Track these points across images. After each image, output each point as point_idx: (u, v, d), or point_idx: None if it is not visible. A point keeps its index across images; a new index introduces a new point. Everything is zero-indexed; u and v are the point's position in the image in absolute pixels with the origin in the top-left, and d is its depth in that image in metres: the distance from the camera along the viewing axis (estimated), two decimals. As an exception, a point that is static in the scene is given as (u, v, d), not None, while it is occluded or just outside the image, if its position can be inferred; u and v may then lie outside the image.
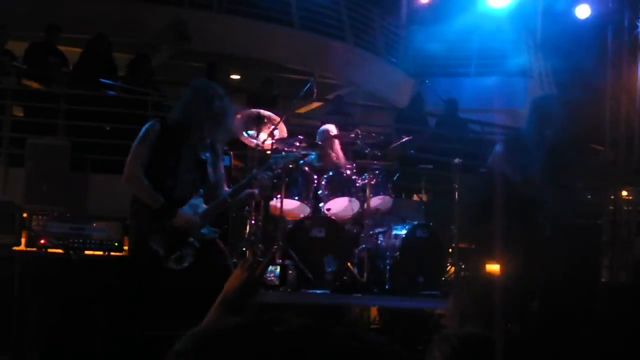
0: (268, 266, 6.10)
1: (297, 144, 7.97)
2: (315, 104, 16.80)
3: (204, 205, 5.90)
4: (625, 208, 12.76)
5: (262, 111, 7.85)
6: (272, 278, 7.30)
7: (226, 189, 6.15)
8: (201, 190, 5.92)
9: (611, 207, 11.90)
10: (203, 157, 5.97)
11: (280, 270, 7.28)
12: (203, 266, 5.79)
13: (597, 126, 13.84)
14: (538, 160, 6.83)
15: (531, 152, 6.85)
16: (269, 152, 7.80)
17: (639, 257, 12.26)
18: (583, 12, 13.87)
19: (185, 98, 5.98)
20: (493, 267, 7.93)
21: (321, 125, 9.12)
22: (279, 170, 7.84)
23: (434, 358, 2.58)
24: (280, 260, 7.42)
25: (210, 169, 6.00)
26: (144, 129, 5.85)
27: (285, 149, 8.04)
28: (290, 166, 8.26)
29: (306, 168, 8.42)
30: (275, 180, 7.97)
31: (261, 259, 3.01)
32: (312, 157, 8.74)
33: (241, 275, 2.92)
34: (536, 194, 6.83)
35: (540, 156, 6.84)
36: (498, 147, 7.10)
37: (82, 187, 9.94)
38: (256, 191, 6.31)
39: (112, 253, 7.26)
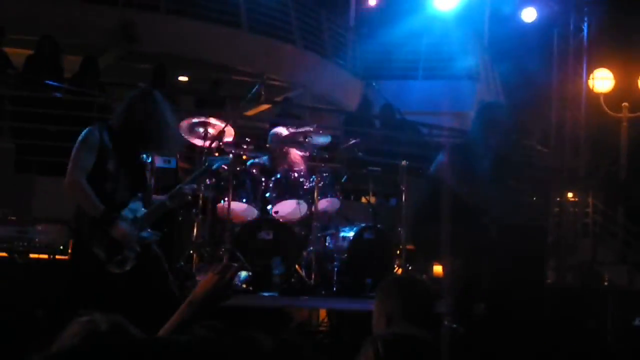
0: (239, 271, 6.08)
1: (246, 146, 7.98)
2: (264, 107, 16.79)
3: (143, 209, 5.87)
4: (571, 210, 12.95)
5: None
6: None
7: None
8: (140, 194, 5.89)
9: (557, 209, 12.06)
10: (142, 160, 5.94)
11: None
12: (143, 269, 5.78)
13: (544, 129, 14.01)
14: (484, 168, 6.87)
15: (477, 160, 6.88)
16: (216, 154, 7.79)
17: (584, 259, 12.44)
18: (529, 15, 14.03)
19: (125, 105, 5.89)
20: (438, 269, 7.99)
21: (271, 128, 9.12)
22: (225, 173, 7.84)
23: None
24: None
25: (148, 173, 5.99)
26: (83, 134, 5.76)
27: (233, 151, 8.04)
28: (238, 169, 8.26)
29: (254, 170, 8.42)
30: (221, 183, 7.96)
31: (234, 264, 3.01)
32: (264, 159, 8.73)
33: (212, 279, 2.94)
34: (482, 199, 6.87)
35: (485, 164, 6.88)
36: (441, 156, 7.13)
37: (27, 190, 9.81)
38: (194, 186, 6.30)
39: (57, 256, 7.19)
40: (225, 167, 7.67)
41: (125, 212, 5.75)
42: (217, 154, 7.84)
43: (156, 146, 5.95)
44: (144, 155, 5.98)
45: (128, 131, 5.79)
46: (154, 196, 6.07)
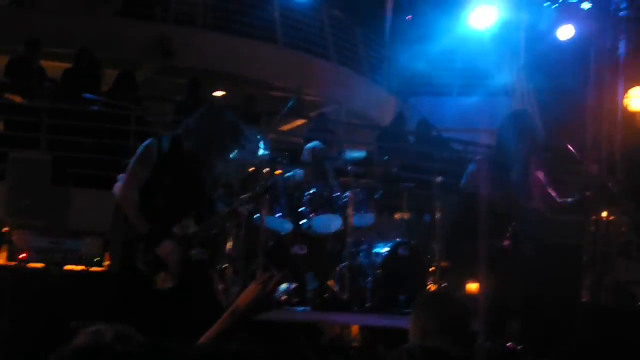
0: (281, 283, 6.02)
1: (280, 160, 7.99)
2: (299, 122, 16.82)
3: (194, 226, 5.75)
4: (606, 229, 12.82)
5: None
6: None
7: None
8: (193, 212, 5.76)
9: (592, 227, 11.94)
10: (202, 176, 5.84)
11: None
12: (188, 288, 5.67)
13: (579, 148, 13.91)
14: (517, 177, 6.82)
15: (508, 169, 6.84)
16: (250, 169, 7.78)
17: (620, 279, 12.30)
18: (566, 33, 13.92)
19: (202, 124, 5.80)
20: (472, 286, 7.93)
21: (306, 143, 9.12)
22: (261, 187, 7.84)
23: None
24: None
25: (207, 189, 5.88)
26: (141, 147, 5.73)
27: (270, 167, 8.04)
28: (273, 182, 8.25)
29: (288, 185, 8.43)
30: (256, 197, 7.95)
31: (277, 274, 3.05)
32: (299, 173, 8.72)
33: (255, 289, 2.97)
34: (515, 211, 6.83)
35: (518, 172, 6.83)
36: (472, 167, 7.09)
37: (63, 202, 9.85)
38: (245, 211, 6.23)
39: (92, 268, 7.23)
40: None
41: (175, 229, 5.67)
42: (251, 170, 7.82)
43: (209, 158, 5.83)
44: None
45: (197, 151, 5.73)
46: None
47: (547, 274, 7.52)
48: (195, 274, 5.73)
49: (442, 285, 8.10)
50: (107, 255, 7.14)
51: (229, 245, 7.98)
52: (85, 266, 7.21)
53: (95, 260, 7.27)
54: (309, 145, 8.88)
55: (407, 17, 19.90)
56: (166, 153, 5.68)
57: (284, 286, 7.47)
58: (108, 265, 7.13)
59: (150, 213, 5.59)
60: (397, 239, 8.42)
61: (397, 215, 9.62)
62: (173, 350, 1.75)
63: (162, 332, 4.94)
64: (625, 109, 13.88)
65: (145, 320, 5.31)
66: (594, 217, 11.75)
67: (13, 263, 7.09)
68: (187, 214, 5.73)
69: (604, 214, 11.83)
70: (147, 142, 5.76)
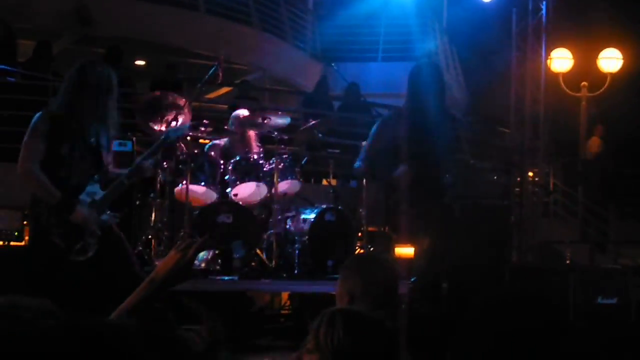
0: (200, 250, 5.98)
1: (203, 129, 7.87)
2: (224, 90, 16.66)
3: (101, 191, 5.75)
4: (532, 189, 12.98)
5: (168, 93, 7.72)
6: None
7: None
8: (96, 176, 5.77)
9: (518, 189, 12.07)
10: (96, 142, 5.80)
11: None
12: (106, 253, 5.68)
13: (503, 109, 14.01)
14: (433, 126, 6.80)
15: (424, 115, 6.83)
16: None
17: (545, 239, 12.49)
18: (488, -6, 13.99)
19: (63, 84, 5.81)
20: (403, 250, 7.94)
21: (230, 111, 9.02)
22: (184, 156, 7.73)
23: (314, 333, 2.56)
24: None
25: (104, 153, 5.86)
26: (33, 120, 5.65)
27: (191, 134, 7.91)
28: (196, 151, 8.14)
29: (212, 153, 8.32)
30: (179, 166, 7.83)
31: (197, 240, 2.97)
32: (223, 141, 8.61)
33: (175, 257, 2.87)
34: (437, 172, 6.84)
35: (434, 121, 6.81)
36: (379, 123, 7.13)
37: (-20, 176, 9.62)
38: (152, 162, 6.14)
39: (11, 243, 7.06)
40: (183, 147, 7.53)
41: (83, 197, 5.65)
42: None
43: (99, 120, 5.78)
44: (101, 137, 5.84)
45: (71, 110, 5.68)
46: (112, 171, 5.94)
47: (475, 234, 7.57)
48: (110, 240, 5.74)
49: (370, 249, 8.10)
50: (26, 229, 6.97)
51: (153, 216, 7.88)
52: (4, 241, 7.03)
53: (15, 234, 7.09)
54: (234, 113, 8.76)
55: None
56: (59, 122, 5.63)
57: (203, 254, 7.38)
58: (28, 239, 6.96)
59: (55, 185, 5.55)
60: (324, 205, 8.38)
61: (324, 182, 9.59)
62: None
63: (82, 304, 4.84)
64: (548, 71, 14.04)
65: (65, 293, 5.22)
66: (519, 178, 11.88)
67: None
68: (92, 180, 5.73)
69: (530, 174, 11.97)
70: (38, 114, 5.71)
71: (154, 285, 2.80)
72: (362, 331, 2.55)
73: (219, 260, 7.45)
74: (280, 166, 8.10)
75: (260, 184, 8.09)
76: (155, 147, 6.28)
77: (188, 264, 2.88)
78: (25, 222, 7.00)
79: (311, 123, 8.84)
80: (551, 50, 14.20)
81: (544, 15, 13.08)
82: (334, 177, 9.31)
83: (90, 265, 5.58)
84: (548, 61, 13.98)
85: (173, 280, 2.85)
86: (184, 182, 7.67)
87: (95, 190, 5.72)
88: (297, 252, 7.90)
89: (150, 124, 7.81)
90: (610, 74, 15.40)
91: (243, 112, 8.61)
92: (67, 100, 5.72)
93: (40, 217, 5.59)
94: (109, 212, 5.80)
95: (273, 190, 8.04)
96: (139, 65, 17.75)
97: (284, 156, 8.25)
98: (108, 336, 1.73)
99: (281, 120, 8.47)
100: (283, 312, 9.51)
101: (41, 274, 5.59)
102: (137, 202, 8.11)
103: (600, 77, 15.50)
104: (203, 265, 7.41)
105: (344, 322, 2.53)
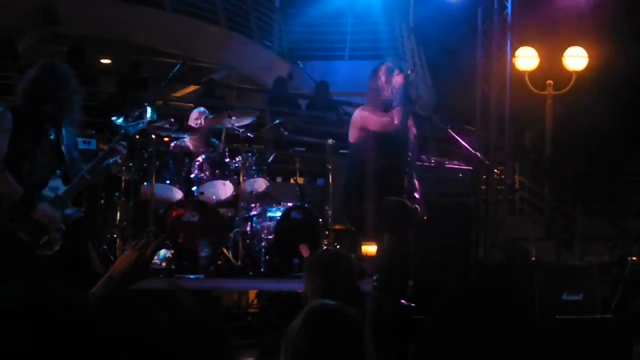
0: (159, 249, 5.97)
1: (168, 126, 7.83)
2: (191, 88, 16.59)
3: (64, 186, 5.73)
4: (497, 187, 13.03)
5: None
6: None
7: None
8: (58, 171, 5.75)
9: (484, 187, 12.11)
10: (57, 137, 5.79)
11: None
12: (69, 248, 5.67)
13: (468, 108, 14.05)
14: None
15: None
16: (137, 136, 7.59)
17: (511, 236, 12.55)
18: (454, -8, 14.02)
19: (24, 82, 5.80)
20: (369, 248, 7.94)
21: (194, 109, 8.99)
22: (149, 155, 7.69)
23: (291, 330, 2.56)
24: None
25: (64, 148, 5.82)
26: None
27: (155, 132, 7.88)
28: (161, 150, 8.11)
29: (177, 151, 8.29)
30: (144, 165, 7.79)
31: (154, 239, 2.95)
32: (185, 139, 8.58)
33: (132, 255, 2.85)
34: (403, 168, 6.86)
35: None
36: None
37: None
38: (118, 159, 6.09)
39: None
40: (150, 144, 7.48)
41: (46, 192, 5.64)
42: (138, 137, 7.66)
43: (57, 115, 5.76)
44: (61, 132, 5.81)
45: (32, 106, 5.66)
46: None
47: (440, 232, 7.58)
48: (73, 235, 5.74)
49: (336, 247, 8.10)
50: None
51: (118, 215, 7.84)
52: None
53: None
54: (195, 110, 8.73)
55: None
56: (20, 118, 5.62)
57: (163, 252, 7.36)
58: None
59: (18, 180, 5.55)
60: (290, 203, 8.37)
61: (291, 181, 9.58)
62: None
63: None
64: (514, 69, 14.09)
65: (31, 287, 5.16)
66: (484, 176, 11.92)
67: None
68: (54, 175, 5.73)
69: (495, 172, 12.01)
70: None
71: (112, 282, 2.78)
72: (334, 324, 2.54)
73: (179, 259, 7.44)
74: (246, 164, 8.08)
75: (226, 182, 8.06)
76: (114, 142, 6.22)
77: (146, 263, 2.85)
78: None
79: (276, 122, 8.83)
80: (517, 49, 14.25)
81: (509, 13, 13.12)
82: (300, 175, 9.30)
83: (55, 259, 5.57)
84: (514, 60, 14.02)
85: (131, 279, 2.83)
86: (149, 180, 7.63)
87: (57, 186, 5.71)
88: (263, 250, 7.90)
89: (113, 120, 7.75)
90: (576, 72, 15.46)
91: (203, 110, 8.61)
92: (27, 96, 5.70)
93: (3, 213, 5.56)
94: (73, 207, 5.77)
95: (239, 189, 8.01)
96: (105, 64, 17.63)
97: (250, 154, 8.23)
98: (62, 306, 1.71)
99: (246, 119, 8.47)
100: (250, 310, 9.49)
101: (6, 269, 5.55)
102: (102, 201, 8.06)
103: (565, 76, 15.57)
104: (164, 264, 7.38)
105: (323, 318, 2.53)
